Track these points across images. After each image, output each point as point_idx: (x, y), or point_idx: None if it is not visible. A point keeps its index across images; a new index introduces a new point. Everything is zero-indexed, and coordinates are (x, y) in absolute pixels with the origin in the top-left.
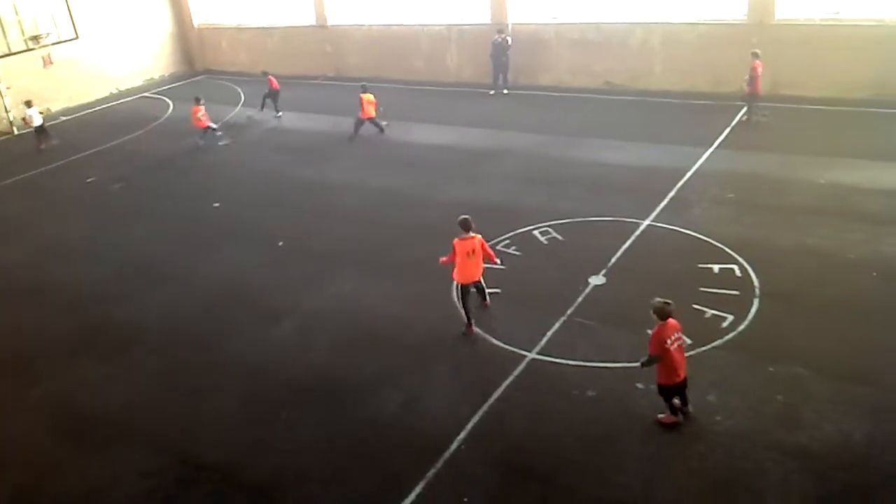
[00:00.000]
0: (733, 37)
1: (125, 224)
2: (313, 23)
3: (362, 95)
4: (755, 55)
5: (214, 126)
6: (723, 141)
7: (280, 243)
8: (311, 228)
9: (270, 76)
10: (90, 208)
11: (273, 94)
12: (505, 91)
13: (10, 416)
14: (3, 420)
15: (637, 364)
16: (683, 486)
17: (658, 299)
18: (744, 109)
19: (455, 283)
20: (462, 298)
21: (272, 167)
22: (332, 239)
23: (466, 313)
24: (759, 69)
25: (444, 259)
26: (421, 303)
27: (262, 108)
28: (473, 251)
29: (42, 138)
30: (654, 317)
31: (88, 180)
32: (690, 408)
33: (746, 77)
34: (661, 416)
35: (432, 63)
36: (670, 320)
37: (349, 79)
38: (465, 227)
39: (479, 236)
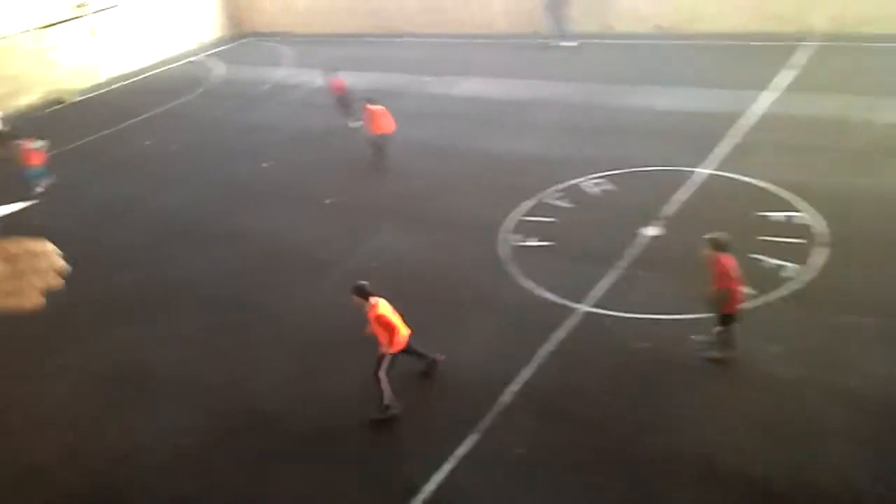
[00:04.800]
0: None
1: (178, 184)
2: None
3: (370, 108)
4: None
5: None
6: (783, 83)
7: (328, 200)
8: (353, 183)
9: (334, 77)
10: (148, 170)
11: (340, 100)
12: (570, 43)
13: (62, 378)
14: (57, 381)
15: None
16: (737, 432)
17: (712, 235)
18: None
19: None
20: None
21: (317, 126)
22: (370, 193)
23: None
24: None
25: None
26: (465, 254)
27: (349, 116)
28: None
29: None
30: (714, 251)
31: (146, 143)
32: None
33: None
34: (712, 353)
35: (475, 14)
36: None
37: (390, 34)
38: (364, 293)
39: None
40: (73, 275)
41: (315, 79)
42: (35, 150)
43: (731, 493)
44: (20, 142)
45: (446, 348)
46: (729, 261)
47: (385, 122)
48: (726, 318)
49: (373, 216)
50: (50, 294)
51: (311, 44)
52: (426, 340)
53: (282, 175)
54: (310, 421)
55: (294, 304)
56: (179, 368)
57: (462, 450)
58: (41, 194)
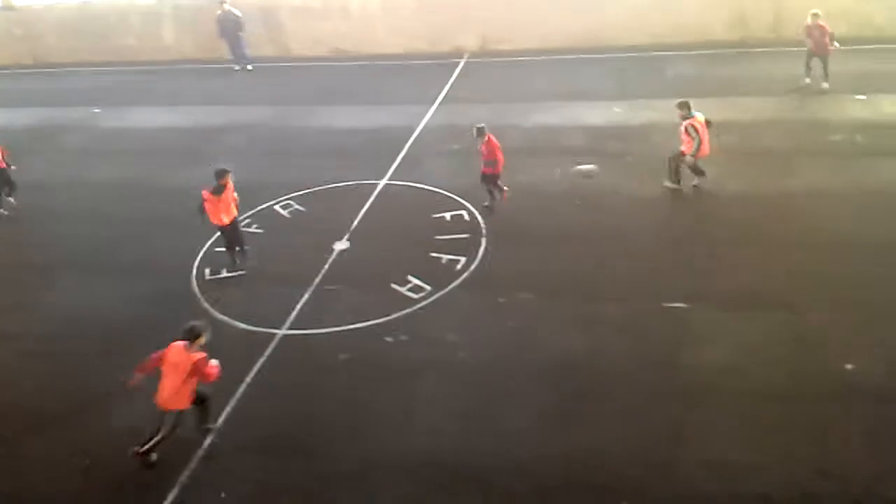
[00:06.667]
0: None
1: None
2: None
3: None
4: (816, 16)
5: None
6: (444, 97)
7: None
8: (18, 237)
9: None
10: None
11: None
12: (249, 67)
13: None
14: None
15: None
16: (442, 425)
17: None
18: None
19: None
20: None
21: None
22: (46, 245)
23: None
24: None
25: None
26: (160, 299)
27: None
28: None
29: None
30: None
31: None
32: None
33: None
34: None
35: (147, 41)
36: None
37: (50, 64)
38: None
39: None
40: None
41: None
42: None
43: (437, 482)
44: None
45: (142, 408)
46: None
47: (222, 208)
48: None
49: (51, 272)
50: None
51: None
52: (124, 390)
53: None
54: None
55: None
56: None
57: None
58: None
